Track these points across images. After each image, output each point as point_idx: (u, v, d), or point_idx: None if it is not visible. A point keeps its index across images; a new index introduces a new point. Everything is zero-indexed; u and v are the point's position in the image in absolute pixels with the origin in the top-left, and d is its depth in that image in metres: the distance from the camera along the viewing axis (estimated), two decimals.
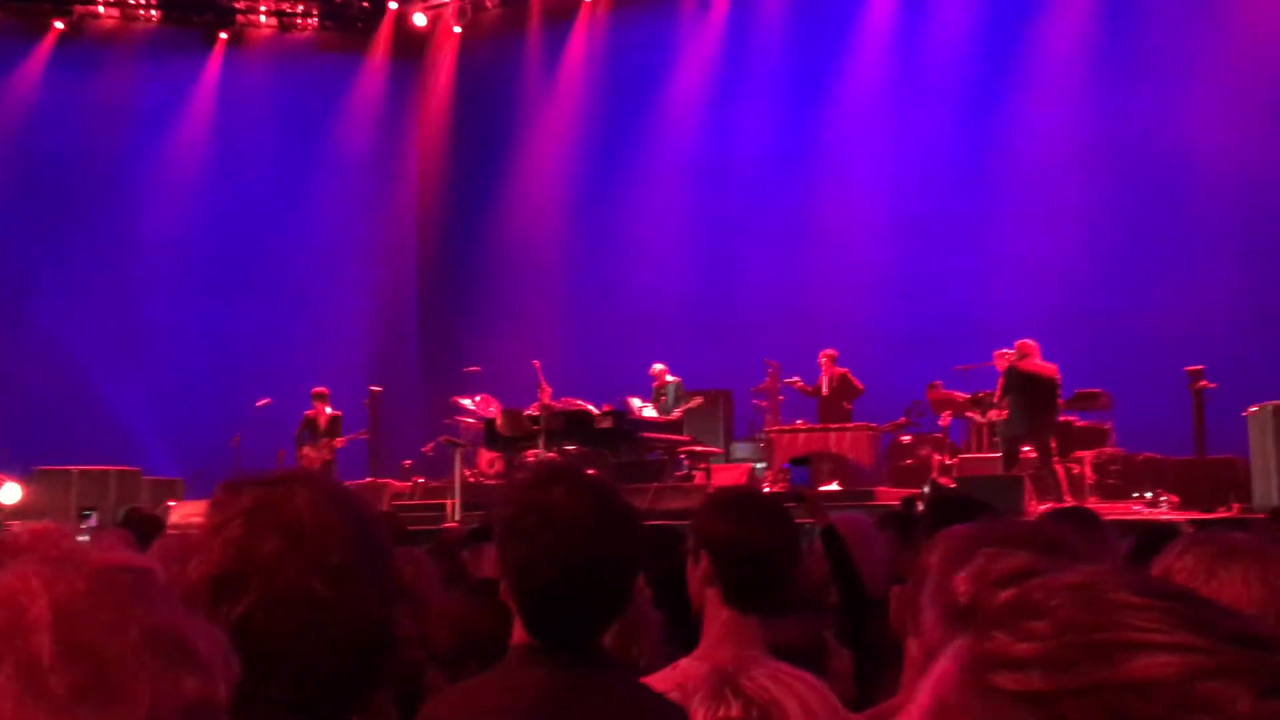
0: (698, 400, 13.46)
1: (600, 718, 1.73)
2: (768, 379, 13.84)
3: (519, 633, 1.77)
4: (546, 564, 1.71)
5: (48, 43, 18.47)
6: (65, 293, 17.30)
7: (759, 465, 13.05)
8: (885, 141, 15.68)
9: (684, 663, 2.16)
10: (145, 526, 5.37)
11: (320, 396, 13.86)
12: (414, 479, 14.30)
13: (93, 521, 4.91)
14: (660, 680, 2.05)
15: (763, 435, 13.42)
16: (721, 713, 1.72)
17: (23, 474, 15.08)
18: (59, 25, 18.49)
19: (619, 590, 1.78)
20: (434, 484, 13.41)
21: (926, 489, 9.78)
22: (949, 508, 2.86)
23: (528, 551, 1.73)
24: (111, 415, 16.60)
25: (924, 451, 12.46)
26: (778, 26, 16.60)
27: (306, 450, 13.73)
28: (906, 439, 12.94)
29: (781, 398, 13.91)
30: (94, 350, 17.04)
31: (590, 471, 2.03)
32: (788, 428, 13.04)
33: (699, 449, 12.88)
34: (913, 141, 15.47)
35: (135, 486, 14.69)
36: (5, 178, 17.74)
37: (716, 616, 2.18)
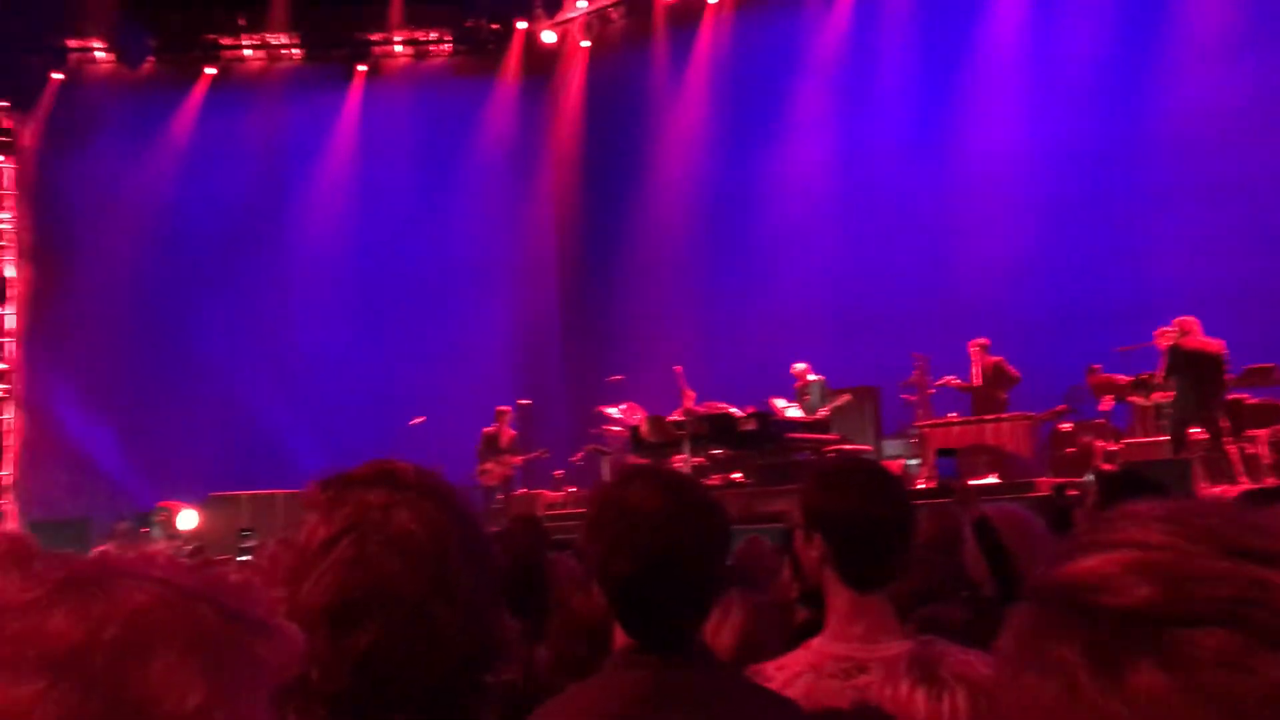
0: (845, 398, 13.25)
1: (702, 718, 1.68)
2: (915, 373, 13.52)
3: (621, 635, 1.76)
4: (624, 559, 1.70)
5: (200, 88, 19.46)
6: (227, 327, 18.14)
7: (911, 462, 12.75)
8: (1024, 122, 15.17)
9: (816, 643, 2.10)
10: None
11: (502, 415, 14.42)
12: (565, 488, 14.51)
13: (252, 542, 5.10)
14: (793, 661, 1.99)
15: (914, 431, 13.12)
16: (950, 699, 1.63)
17: (198, 500, 15.89)
18: (210, 71, 19.46)
19: (700, 584, 1.75)
20: (585, 492, 13.56)
21: (1090, 477, 9.39)
22: (1118, 486, 2.72)
23: (606, 548, 1.73)
24: (275, 441, 17.30)
25: (1086, 439, 11.97)
26: (905, 13, 16.27)
27: (489, 465, 14.26)
28: (1067, 427, 12.46)
29: (931, 391, 13.57)
30: (256, 380, 17.82)
31: (676, 470, 2.00)
32: (940, 421, 12.71)
33: (848, 448, 12.66)
34: (1053, 120, 14.92)
35: (299, 508, 15.25)
36: (167, 220, 18.74)
37: (838, 597, 2.11)
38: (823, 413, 12.96)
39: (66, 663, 0.59)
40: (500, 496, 14.51)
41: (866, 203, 16.15)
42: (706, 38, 17.94)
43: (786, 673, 2.03)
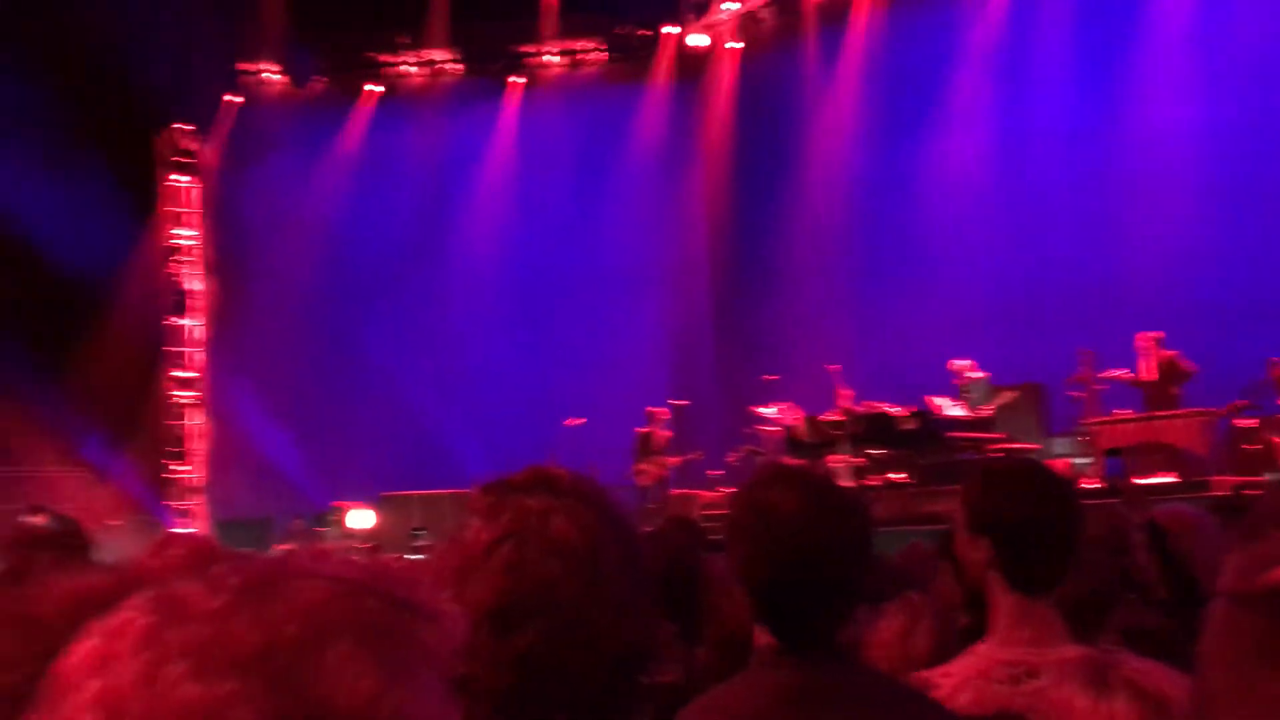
0: (1009, 395, 12.88)
1: (845, 719, 1.69)
2: (1082, 368, 13.05)
3: (762, 635, 1.77)
4: (764, 561, 1.72)
5: (366, 105, 20.26)
6: (395, 334, 18.82)
7: (1080, 460, 12.32)
8: (1193, 103, 14.45)
9: (982, 648, 2.07)
10: None
11: (655, 416, 14.71)
12: (720, 489, 14.53)
13: (423, 541, 5.30)
14: (959, 667, 1.98)
15: (1083, 428, 12.67)
16: (1108, 704, 1.62)
17: (372, 501, 16.55)
18: (374, 88, 20.24)
19: (842, 584, 1.75)
20: None
21: (1272, 476, 8.92)
22: None
23: (747, 550, 1.75)
24: (442, 443, 17.87)
25: (1269, 436, 11.35)
26: None
27: (643, 466, 14.44)
28: (1246, 423, 11.83)
29: (1099, 387, 13.07)
30: (423, 385, 18.45)
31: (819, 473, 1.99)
32: (1110, 418, 12.23)
33: (1013, 446, 12.31)
34: (1224, 100, 14.18)
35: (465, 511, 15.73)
36: (337, 232, 19.58)
37: (1004, 601, 2.07)
38: (986, 411, 12.64)
39: (253, 664, 0.63)
40: (655, 497, 14.63)
41: (1028, 192, 15.67)
42: (858, 32, 17.71)
43: (953, 679, 2.01)
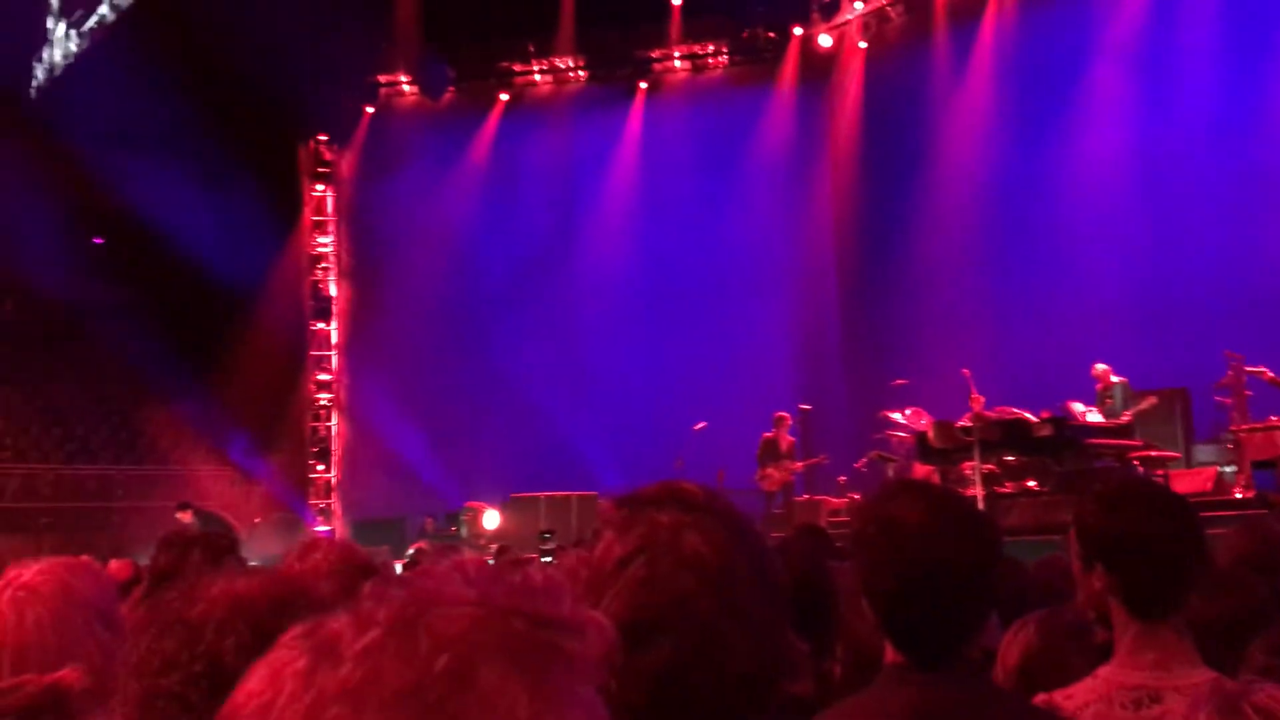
0: (1151, 401, 12.41)
1: None
2: (1230, 373, 12.51)
3: (890, 652, 1.76)
4: (888, 573, 1.71)
5: (496, 113, 20.65)
6: (522, 338, 19.14)
7: (1226, 469, 11.82)
8: None
9: (1104, 671, 2.03)
10: None
11: (781, 421, 14.55)
12: (849, 495, 14.37)
13: (551, 544, 5.38)
14: (1081, 690, 1.94)
15: (1229, 435, 12.14)
16: None
17: (500, 501, 16.87)
18: (503, 97, 20.62)
19: (966, 600, 1.72)
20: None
21: None
22: None
23: (871, 562, 1.74)
24: (570, 446, 18.09)
25: None
26: None
27: (769, 470, 14.41)
28: None
29: (1249, 393, 12.50)
30: (551, 388, 18.70)
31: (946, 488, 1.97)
32: (1260, 425, 11.68)
33: (1154, 454, 11.88)
34: None
35: (593, 509, 15.91)
36: (468, 238, 20.01)
37: (1126, 626, 2.02)
38: (1126, 417, 12.23)
39: (407, 701, 0.65)
40: (780, 503, 14.56)
41: (1168, 189, 15.07)
42: (989, 28, 17.29)
43: (1074, 702, 1.98)
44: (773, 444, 14.58)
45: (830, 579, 3.70)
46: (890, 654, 1.77)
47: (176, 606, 1.47)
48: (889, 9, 18.52)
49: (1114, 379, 12.43)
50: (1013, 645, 2.73)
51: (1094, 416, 12.13)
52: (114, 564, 7.51)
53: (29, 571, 1.80)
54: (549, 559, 5.27)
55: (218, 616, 1.43)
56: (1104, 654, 2.73)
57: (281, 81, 17.76)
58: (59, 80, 21.13)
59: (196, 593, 1.47)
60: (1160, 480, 11.39)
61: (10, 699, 1.57)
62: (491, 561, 7.15)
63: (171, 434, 21.14)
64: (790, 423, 14.90)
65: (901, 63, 18.47)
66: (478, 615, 0.69)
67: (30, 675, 1.56)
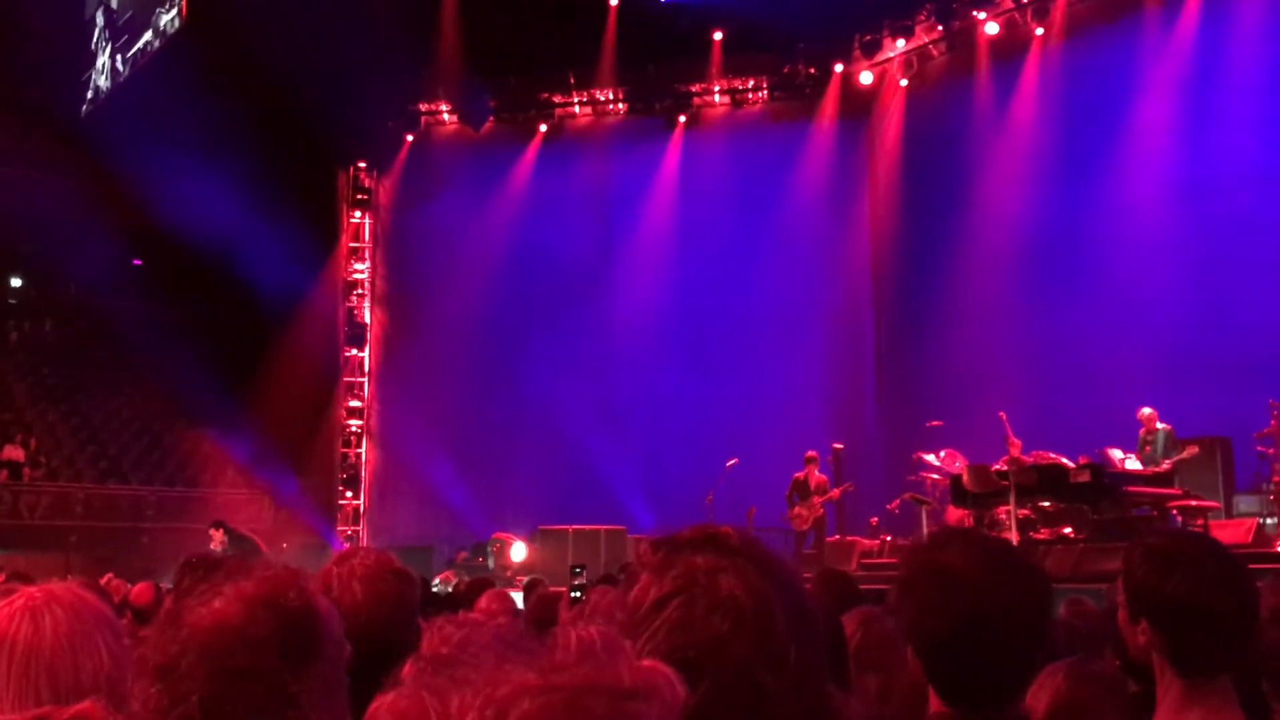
0: (1191, 450, 12.16)
1: None
2: (1273, 423, 12.27)
3: (935, 701, 1.72)
4: (936, 620, 1.67)
5: (535, 144, 20.75)
6: (554, 370, 19.12)
7: (1267, 520, 11.56)
8: None
9: None
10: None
11: (811, 460, 14.47)
12: (881, 536, 14.19)
13: (582, 580, 5.32)
14: None
15: (1271, 486, 11.91)
16: None
17: (528, 533, 16.80)
18: (543, 128, 20.72)
19: (1016, 649, 1.68)
20: (901, 541, 13.21)
21: None
22: None
23: (918, 610, 1.70)
24: (599, 479, 18.02)
25: None
26: (1255, 27, 14.89)
27: (798, 510, 14.32)
28: None
29: None
30: (582, 420, 18.64)
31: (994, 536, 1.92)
32: None
33: (1193, 503, 11.63)
34: None
35: (621, 543, 15.82)
36: (503, 267, 20.05)
37: (1171, 684, 1.96)
38: (1165, 465, 11.99)
39: None
40: (812, 542, 14.39)
41: (1213, 234, 14.85)
42: (1033, 67, 17.17)
43: None
44: (802, 484, 14.47)
45: (841, 630, 3.60)
46: (935, 703, 1.72)
47: (150, 651, 1.48)
48: (931, 47, 18.46)
49: (1159, 425, 12.21)
50: (1041, 692, 2.65)
51: (1132, 464, 11.91)
52: (136, 587, 7.51)
53: (44, 589, 1.89)
54: (578, 594, 5.21)
55: (188, 661, 1.44)
56: (1136, 707, 2.62)
57: (324, 108, 17.95)
58: (106, 104, 21.46)
59: (168, 633, 1.48)
60: (1200, 530, 11.15)
61: None
62: (521, 594, 7.06)
63: (202, 456, 21.26)
64: (820, 461, 14.76)
65: (943, 101, 18.39)
66: (553, 701, 0.68)
67: (51, 708, 1.58)
